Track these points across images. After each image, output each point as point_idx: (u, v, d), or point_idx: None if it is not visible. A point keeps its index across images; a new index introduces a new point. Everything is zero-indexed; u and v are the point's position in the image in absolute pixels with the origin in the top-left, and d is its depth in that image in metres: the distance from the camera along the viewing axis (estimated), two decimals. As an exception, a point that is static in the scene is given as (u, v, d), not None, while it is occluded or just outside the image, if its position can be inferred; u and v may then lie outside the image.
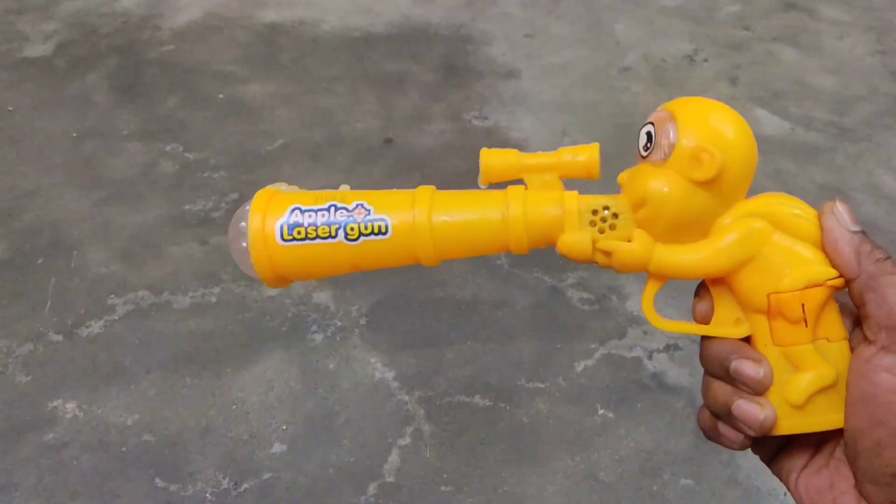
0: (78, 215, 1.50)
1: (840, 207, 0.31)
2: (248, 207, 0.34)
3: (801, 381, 0.31)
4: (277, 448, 1.12)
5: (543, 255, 1.51)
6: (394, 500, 1.06)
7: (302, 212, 0.33)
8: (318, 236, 0.33)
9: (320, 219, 0.33)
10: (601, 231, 0.33)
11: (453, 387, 1.20)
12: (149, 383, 1.20)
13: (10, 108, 1.79)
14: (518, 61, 2.03)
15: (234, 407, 1.17)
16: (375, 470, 1.09)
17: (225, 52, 2.03)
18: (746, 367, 0.31)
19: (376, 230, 0.33)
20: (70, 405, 1.16)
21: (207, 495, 1.06)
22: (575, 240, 0.33)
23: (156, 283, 1.36)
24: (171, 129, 1.75)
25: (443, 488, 1.07)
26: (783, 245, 0.31)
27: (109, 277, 1.37)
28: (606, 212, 0.33)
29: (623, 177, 0.34)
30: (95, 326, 1.28)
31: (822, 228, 0.31)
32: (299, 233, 0.33)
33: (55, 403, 1.16)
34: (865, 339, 0.31)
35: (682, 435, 1.14)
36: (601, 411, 1.18)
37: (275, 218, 0.34)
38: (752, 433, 0.32)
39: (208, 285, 1.36)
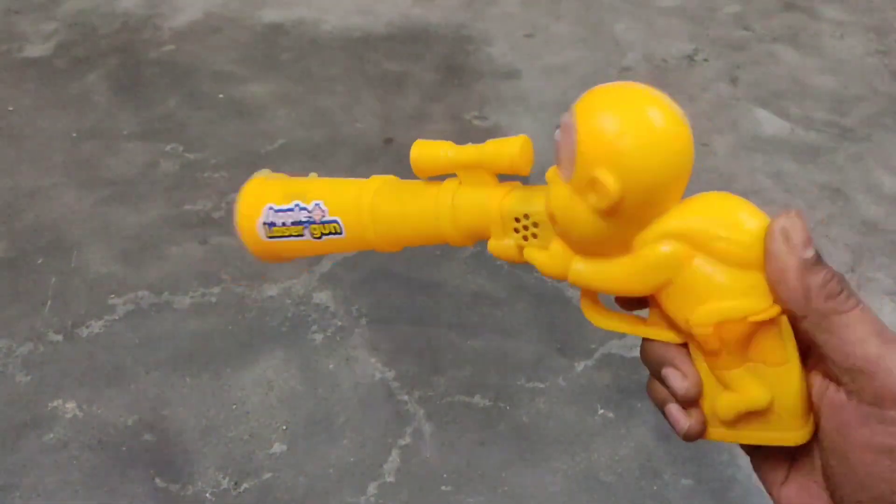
0: (78, 215, 1.50)
1: (789, 226, 0.26)
2: (235, 206, 0.37)
3: (726, 402, 0.29)
4: (277, 448, 1.12)
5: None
6: (394, 500, 1.06)
7: (275, 211, 0.37)
8: (291, 234, 0.37)
9: (289, 219, 0.36)
10: (525, 238, 0.31)
11: (453, 387, 1.20)
12: (149, 383, 1.20)
13: (11, 108, 1.79)
14: (518, 61, 2.03)
15: (235, 407, 1.17)
16: (375, 470, 1.09)
17: (225, 52, 2.03)
18: (673, 380, 0.29)
19: (333, 230, 0.35)
20: (70, 405, 1.16)
21: (207, 495, 1.06)
22: (501, 247, 0.32)
23: (156, 283, 1.36)
24: (171, 128, 1.75)
25: (443, 488, 1.07)
26: (701, 273, 0.27)
27: (109, 277, 1.37)
28: (527, 220, 0.31)
29: (550, 174, 0.30)
30: (95, 326, 1.28)
31: (766, 251, 0.26)
32: (276, 232, 0.37)
33: (55, 403, 1.16)
34: (830, 376, 0.27)
35: (682, 435, 1.14)
36: (601, 411, 1.17)
37: (254, 217, 0.37)
38: (680, 437, 0.30)
39: (208, 285, 1.36)
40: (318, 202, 0.35)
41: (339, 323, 1.30)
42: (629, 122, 0.26)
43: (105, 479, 1.07)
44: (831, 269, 0.26)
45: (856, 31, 2.23)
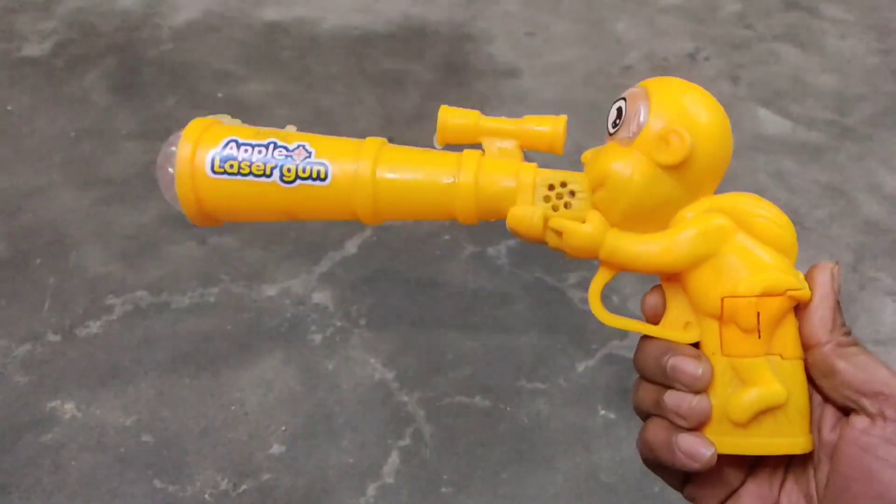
0: (76, 215, 1.50)
1: (836, 272, 0.30)
2: (181, 133, 0.32)
3: (747, 397, 0.28)
4: (276, 449, 1.11)
5: (544, 255, 1.51)
6: (393, 501, 1.05)
7: (238, 145, 0.31)
8: (251, 173, 0.31)
9: (256, 155, 0.31)
10: (555, 208, 0.30)
11: (453, 387, 1.20)
12: (147, 384, 1.19)
13: (9, 108, 1.79)
14: (519, 60, 2.03)
15: (233, 408, 1.16)
16: (375, 471, 1.09)
17: (224, 50, 2.02)
18: (685, 364, 0.29)
19: (314, 175, 0.30)
20: (68, 406, 1.16)
21: (206, 496, 1.05)
22: (525, 213, 0.30)
23: (154, 283, 1.35)
24: (170, 128, 1.73)
25: (443, 489, 1.07)
26: (744, 247, 0.29)
27: (108, 277, 1.36)
28: (563, 188, 0.30)
29: (587, 155, 0.31)
30: (94, 326, 1.27)
31: (814, 279, 0.30)
32: (231, 166, 0.31)
33: (53, 404, 1.16)
34: (842, 407, 0.28)
35: (683, 436, 1.13)
36: (602, 412, 1.17)
37: (207, 148, 0.32)
38: (697, 468, 0.29)
39: (207, 285, 1.35)
40: (302, 143, 0.31)
41: (339, 323, 1.29)
42: (702, 98, 0.30)
43: (103, 480, 1.06)
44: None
45: (857, 30, 2.22)
